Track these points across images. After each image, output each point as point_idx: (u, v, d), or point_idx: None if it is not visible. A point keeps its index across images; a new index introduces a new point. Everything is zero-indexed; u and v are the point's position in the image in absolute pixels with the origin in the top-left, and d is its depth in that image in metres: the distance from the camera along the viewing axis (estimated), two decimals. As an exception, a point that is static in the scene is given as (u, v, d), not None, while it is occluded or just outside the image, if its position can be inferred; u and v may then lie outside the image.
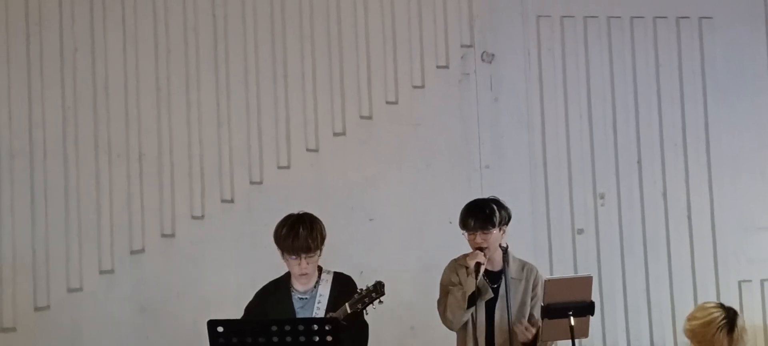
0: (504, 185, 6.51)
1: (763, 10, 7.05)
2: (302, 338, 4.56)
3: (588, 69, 6.86)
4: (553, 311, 4.96)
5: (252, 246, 6.20)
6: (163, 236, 6.29)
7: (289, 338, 4.57)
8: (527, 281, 5.31)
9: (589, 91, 6.86)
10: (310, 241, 4.91)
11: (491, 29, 6.75)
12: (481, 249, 5.15)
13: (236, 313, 5.12)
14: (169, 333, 6.20)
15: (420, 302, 5.87)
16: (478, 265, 5.10)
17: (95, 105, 6.30)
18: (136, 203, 6.28)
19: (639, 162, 6.88)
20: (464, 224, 5.23)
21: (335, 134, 6.53)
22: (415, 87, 6.65)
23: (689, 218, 6.90)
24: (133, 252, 6.26)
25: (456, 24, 6.71)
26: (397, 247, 6.47)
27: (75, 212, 6.21)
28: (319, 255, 5.02)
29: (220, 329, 4.60)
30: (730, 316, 4.58)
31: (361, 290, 4.87)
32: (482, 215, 5.19)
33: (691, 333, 4.62)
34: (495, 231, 5.20)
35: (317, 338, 4.55)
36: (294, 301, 5.07)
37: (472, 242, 5.20)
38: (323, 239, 5.00)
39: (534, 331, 5.16)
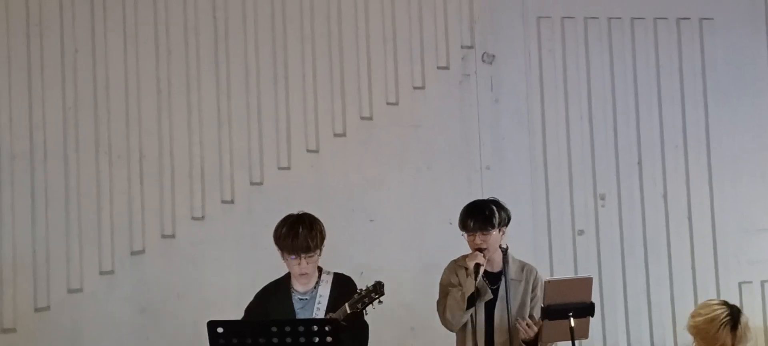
0: (504, 186, 6.51)
1: (763, 12, 7.05)
2: (302, 339, 4.57)
3: (588, 70, 6.86)
4: (553, 312, 4.97)
5: (252, 247, 6.20)
6: (164, 236, 6.29)
7: (289, 339, 4.58)
8: (527, 282, 5.31)
9: (589, 92, 6.86)
10: (309, 240, 4.92)
11: (492, 30, 6.75)
12: (480, 250, 5.16)
13: (236, 314, 5.13)
14: (170, 334, 6.20)
15: (420, 303, 5.87)
16: (477, 266, 5.10)
17: (96, 106, 6.30)
18: (136, 204, 6.28)
19: (639, 163, 6.88)
20: (464, 225, 5.23)
21: (336, 135, 6.53)
22: (415, 88, 6.65)
23: (690, 219, 6.89)
24: (133, 253, 6.27)
25: (456, 25, 6.71)
26: (398, 248, 6.47)
27: (75, 213, 6.22)
28: (319, 255, 5.02)
29: (220, 329, 4.61)
30: (734, 313, 4.59)
31: (361, 290, 4.87)
32: (482, 216, 5.19)
33: (695, 329, 4.62)
34: (494, 232, 5.20)
35: (317, 339, 4.56)
36: (294, 302, 5.07)
37: (471, 243, 5.20)
38: (323, 238, 5.01)
39: (536, 329, 5.16)
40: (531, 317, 5.26)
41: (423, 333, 6.26)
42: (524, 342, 5.20)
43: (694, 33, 6.96)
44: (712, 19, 6.97)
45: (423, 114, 6.63)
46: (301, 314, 5.01)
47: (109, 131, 6.30)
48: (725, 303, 4.68)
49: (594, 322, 5.23)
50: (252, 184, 6.42)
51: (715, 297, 6.72)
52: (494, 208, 5.23)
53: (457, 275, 5.26)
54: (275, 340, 4.58)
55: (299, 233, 4.91)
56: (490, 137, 6.68)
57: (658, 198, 6.88)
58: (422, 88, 6.65)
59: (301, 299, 5.07)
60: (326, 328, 4.58)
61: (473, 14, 6.73)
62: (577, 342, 5.07)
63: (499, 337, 5.24)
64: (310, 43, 6.54)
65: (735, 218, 6.92)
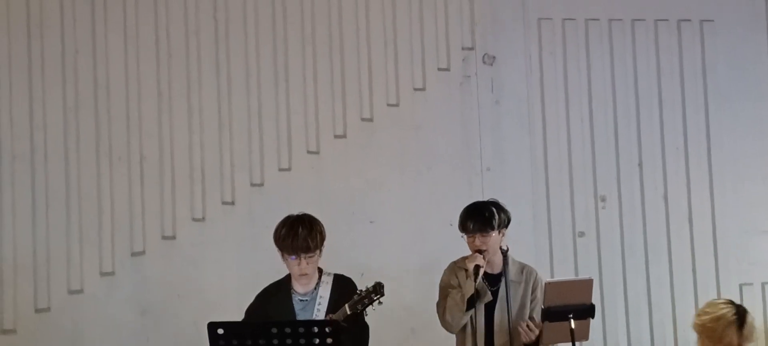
0: (505, 187, 6.51)
1: (764, 14, 7.05)
2: (302, 340, 4.57)
3: (589, 72, 6.86)
4: (553, 313, 4.97)
5: (253, 248, 6.20)
6: (164, 238, 6.30)
7: (289, 340, 4.58)
8: (526, 284, 5.31)
9: (590, 94, 6.86)
10: (309, 241, 4.92)
11: (492, 32, 6.75)
12: (480, 252, 5.15)
13: (237, 315, 5.13)
14: (170, 335, 6.20)
15: (421, 304, 5.86)
16: (477, 268, 5.10)
17: (96, 107, 6.30)
18: (137, 205, 6.28)
19: (640, 165, 6.88)
20: (463, 226, 5.23)
21: (336, 137, 6.54)
22: (416, 89, 6.65)
23: (690, 221, 6.89)
24: (133, 254, 6.27)
25: (457, 27, 6.71)
26: (398, 249, 6.47)
27: (76, 214, 6.22)
28: (319, 256, 5.02)
29: (221, 331, 4.61)
30: (740, 312, 4.59)
31: (361, 291, 4.87)
32: (481, 217, 5.19)
33: (702, 328, 4.61)
34: (494, 234, 5.20)
35: (317, 340, 4.56)
36: (294, 303, 5.07)
37: (471, 244, 5.20)
38: (323, 239, 5.00)
39: (537, 332, 5.16)
40: (531, 319, 5.26)
41: (423, 334, 6.26)
42: (525, 345, 5.20)
43: (694, 35, 6.96)
44: (712, 21, 6.97)
45: (423, 116, 6.63)
46: (301, 316, 5.01)
47: (110, 132, 6.30)
48: (731, 302, 4.67)
49: (594, 323, 5.23)
50: (252, 185, 6.42)
51: (715, 299, 6.74)
52: (494, 209, 5.23)
53: (456, 277, 5.26)
54: (275, 341, 4.59)
55: (299, 234, 4.91)
56: (491, 139, 6.69)
57: (658, 200, 6.88)
58: (423, 89, 6.65)
59: (301, 301, 5.07)
60: (326, 329, 4.59)
61: (474, 16, 6.74)
62: (577, 344, 5.07)
63: (498, 339, 5.24)
64: (310, 44, 6.54)
65: (736, 220, 6.91)
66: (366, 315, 4.91)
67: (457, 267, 5.30)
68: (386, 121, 6.59)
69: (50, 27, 6.28)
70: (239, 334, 4.62)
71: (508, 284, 5.21)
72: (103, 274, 6.22)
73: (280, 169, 6.46)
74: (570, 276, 6.49)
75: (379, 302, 4.83)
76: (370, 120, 6.58)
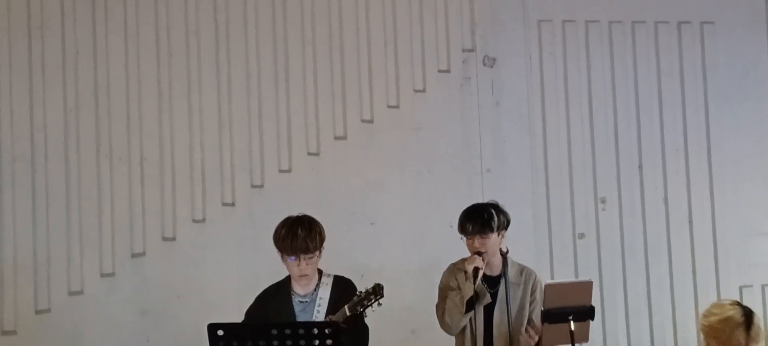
0: (505, 189, 6.51)
1: (764, 15, 7.05)
2: (302, 342, 4.57)
3: (589, 73, 6.86)
4: (553, 315, 4.97)
5: (253, 250, 6.20)
6: (164, 239, 6.30)
7: (289, 342, 4.58)
8: (526, 286, 5.31)
9: (590, 95, 6.86)
10: (308, 242, 4.91)
11: (493, 33, 6.75)
12: (479, 254, 5.15)
13: (237, 316, 5.13)
14: (170, 336, 6.20)
15: (421, 306, 5.85)
16: (476, 270, 5.10)
17: (97, 108, 6.30)
18: (137, 206, 6.28)
19: (640, 167, 6.88)
20: (462, 228, 5.23)
21: (336, 138, 6.54)
22: (416, 91, 6.65)
23: (690, 222, 6.90)
24: (134, 255, 6.27)
25: (457, 28, 6.72)
26: (399, 250, 6.47)
27: (76, 215, 6.22)
28: (319, 257, 5.02)
29: (220, 332, 4.61)
30: (748, 313, 4.58)
31: (360, 292, 4.87)
32: (480, 219, 5.19)
33: (710, 329, 4.60)
34: (493, 236, 5.20)
35: (317, 342, 4.56)
36: (294, 304, 5.07)
37: (470, 246, 5.20)
38: (322, 240, 5.00)
39: (537, 338, 5.16)
40: (530, 322, 5.26)
41: (424, 336, 6.25)
42: None
43: (695, 36, 6.96)
44: (713, 22, 6.98)
45: (424, 117, 6.63)
46: (301, 317, 5.01)
47: (110, 133, 6.30)
48: (738, 303, 4.67)
49: (594, 325, 5.22)
50: (253, 186, 6.42)
51: (715, 300, 6.74)
52: (493, 211, 5.23)
53: (456, 279, 5.26)
54: (275, 342, 4.58)
55: (298, 235, 4.91)
56: (491, 140, 6.69)
57: (658, 201, 6.88)
58: (423, 91, 6.66)
59: (301, 302, 5.07)
60: (326, 331, 4.59)
61: (474, 17, 6.74)
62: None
63: (498, 341, 5.23)
64: (311, 45, 6.54)
65: (736, 221, 6.92)
66: (365, 316, 4.91)
67: (456, 269, 5.30)
68: (386, 122, 6.59)
69: (51, 28, 6.28)
70: (239, 335, 4.62)
71: (508, 285, 5.21)
72: (103, 275, 6.23)
73: (281, 171, 6.46)
74: (570, 278, 6.49)
75: (379, 304, 4.83)
76: (371, 121, 6.58)
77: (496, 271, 5.27)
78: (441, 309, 5.28)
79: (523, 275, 5.33)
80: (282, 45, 6.52)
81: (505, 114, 6.73)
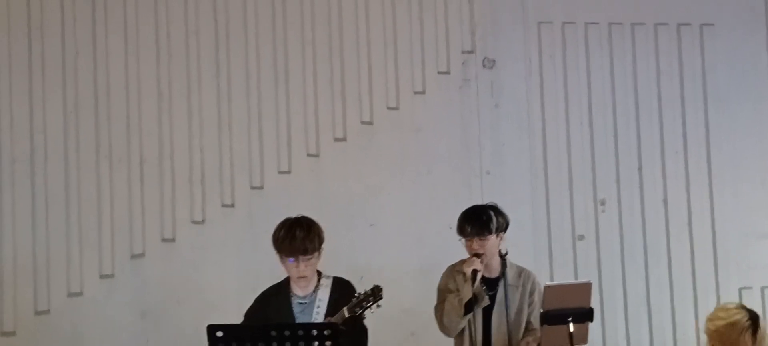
0: (504, 191, 6.51)
1: (764, 17, 7.05)
2: (301, 343, 4.58)
3: (589, 75, 6.86)
4: (552, 317, 4.96)
5: (252, 251, 6.20)
6: (164, 240, 6.30)
7: (288, 343, 4.58)
8: (524, 288, 5.31)
9: (589, 97, 6.86)
10: (307, 243, 4.92)
11: (492, 35, 6.75)
12: (477, 256, 5.15)
13: (237, 318, 5.13)
14: (170, 338, 6.20)
15: (421, 308, 5.85)
16: (474, 272, 5.10)
17: (96, 109, 6.31)
18: (136, 208, 6.28)
19: (640, 169, 6.88)
20: (461, 230, 5.23)
21: (336, 140, 6.54)
22: (416, 93, 6.65)
23: (690, 224, 6.89)
24: (133, 256, 6.27)
25: (457, 30, 6.72)
26: (398, 252, 6.47)
27: (76, 216, 6.22)
28: (318, 258, 5.02)
29: (220, 334, 4.61)
30: (754, 318, 4.58)
31: (359, 294, 4.87)
32: (479, 221, 5.19)
33: (716, 333, 4.60)
34: (492, 238, 5.20)
35: (316, 343, 4.57)
36: (293, 306, 5.07)
37: (469, 248, 5.20)
38: (321, 241, 5.00)
39: (536, 345, 5.17)
40: (527, 325, 5.25)
41: (423, 338, 6.25)
42: None
43: (694, 38, 6.96)
44: (712, 24, 6.97)
45: (423, 119, 6.63)
46: (300, 318, 5.01)
47: (110, 135, 6.30)
48: (744, 307, 4.67)
49: (594, 327, 5.22)
50: (252, 188, 6.42)
51: (715, 302, 6.75)
52: (492, 213, 5.23)
53: (454, 280, 5.26)
54: (274, 344, 4.59)
55: (296, 236, 4.91)
56: (491, 142, 6.69)
57: (658, 203, 6.88)
58: (423, 92, 6.66)
59: (300, 303, 5.07)
60: (325, 332, 4.59)
61: (474, 19, 6.74)
62: (576, 347, 5.07)
63: (496, 343, 5.23)
64: (310, 47, 6.54)
65: (735, 223, 6.91)
66: (364, 318, 4.91)
67: (455, 271, 5.30)
68: (386, 124, 6.59)
69: (50, 29, 6.29)
70: (238, 337, 4.63)
71: (507, 288, 5.21)
72: (102, 276, 6.23)
73: (280, 172, 6.46)
74: (569, 280, 6.48)
75: (378, 306, 4.83)
76: (370, 123, 6.58)
77: (494, 273, 5.27)
78: (439, 311, 5.28)
79: (522, 277, 5.33)
80: (282, 46, 6.52)
81: (504, 116, 6.73)
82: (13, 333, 6.11)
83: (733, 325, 4.55)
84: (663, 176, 6.89)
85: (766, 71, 7.03)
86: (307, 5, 6.56)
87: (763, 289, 6.92)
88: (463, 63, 6.72)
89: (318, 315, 4.98)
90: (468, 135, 6.66)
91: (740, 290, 6.87)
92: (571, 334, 4.95)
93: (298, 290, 5.08)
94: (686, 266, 6.85)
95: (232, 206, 6.39)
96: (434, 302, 5.37)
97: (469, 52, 6.73)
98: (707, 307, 6.68)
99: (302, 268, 4.96)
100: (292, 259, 4.95)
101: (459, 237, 5.24)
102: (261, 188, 6.43)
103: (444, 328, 5.27)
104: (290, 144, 6.49)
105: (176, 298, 6.25)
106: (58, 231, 6.19)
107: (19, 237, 6.15)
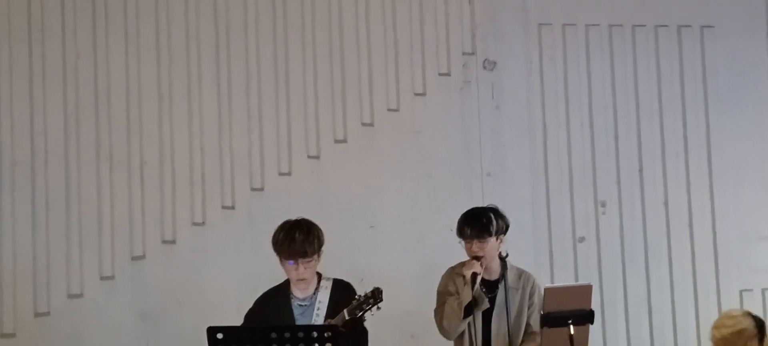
0: (505, 192, 6.51)
1: (764, 19, 7.05)
2: (301, 345, 4.57)
3: (589, 77, 6.86)
4: (552, 319, 4.95)
5: (253, 253, 6.20)
6: (164, 242, 6.30)
7: (288, 345, 4.57)
8: (524, 290, 5.30)
9: (590, 99, 6.86)
10: (306, 246, 4.91)
11: (493, 37, 6.75)
12: (477, 258, 5.14)
13: (237, 320, 5.13)
14: (170, 340, 6.20)
15: (421, 310, 5.85)
16: (474, 275, 5.09)
17: (97, 112, 6.31)
18: (137, 210, 6.28)
19: (640, 170, 6.88)
20: (461, 232, 5.22)
21: (336, 141, 6.54)
22: (416, 94, 6.65)
23: (690, 226, 6.89)
24: (133, 258, 6.27)
25: (458, 32, 6.72)
26: (398, 254, 6.47)
27: (76, 218, 6.22)
28: (318, 261, 5.01)
29: (220, 335, 4.61)
30: (760, 325, 4.57)
31: (359, 296, 4.86)
32: (479, 223, 5.18)
33: (722, 341, 4.58)
34: (492, 240, 5.19)
35: (316, 345, 4.56)
36: (293, 307, 5.07)
37: (468, 250, 5.20)
38: (321, 244, 5.00)
39: None
40: (526, 327, 5.24)
41: (423, 340, 6.25)
42: None
43: (695, 40, 6.96)
44: (713, 26, 6.97)
45: (424, 120, 6.63)
46: (300, 320, 5.01)
47: (110, 137, 6.31)
48: (749, 314, 4.65)
49: (595, 329, 5.22)
50: (253, 190, 6.42)
51: (715, 305, 6.76)
52: (492, 215, 5.22)
53: (454, 283, 5.25)
54: (274, 346, 4.60)
55: (296, 239, 4.91)
56: (491, 144, 6.69)
57: (659, 205, 6.87)
58: (423, 94, 6.66)
59: (300, 305, 5.07)
60: (325, 334, 4.59)
61: (474, 21, 6.74)
62: (576, 350, 5.07)
63: (496, 345, 5.23)
64: (311, 48, 6.55)
65: (736, 225, 6.91)
66: (365, 320, 4.90)
67: (454, 273, 5.29)
68: (386, 125, 6.59)
69: (51, 31, 6.29)
70: (238, 339, 4.63)
71: (508, 290, 5.20)
72: (102, 278, 6.23)
73: (281, 174, 6.46)
74: (570, 281, 6.48)
75: (378, 308, 4.82)
76: (371, 125, 6.58)
77: (494, 275, 5.26)
78: (439, 314, 5.27)
79: (522, 279, 5.32)
80: (282, 48, 6.52)
81: (505, 118, 6.73)
82: (13, 335, 6.10)
83: (740, 333, 4.53)
84: (664, 177, 6.89)
85: (766, 73, 7.03)
86: (308, 7, 6.56)
87: (763, 291, 6.91)
88: (463, 65, 6.72)
89: (318, 317, 4.98)
90: (468, 137, 6.66)
91: (741, 292, 6.87)
92: (571, 336, 4.94)
93: (298, 292, 5.07)
94: (687, 268, 6.85)
95: (233, 207, 6.39)
96: (434, 304, 5.36)
97: (470, 54, 6.73)
98: (708, 309, 6.71)
99: (302, 270, 4.95)
100: (291, 261, 4.94)
101: (459, 239, 5.24)
102: (261, 189, 6.43)
103: (444, 331, 5.26)
104: (290, 146, 6.49)
105: (176, 299, 6.25)
106: (58, 233, 6.19)
107: (19, 239, 6.15)
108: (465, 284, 5.13)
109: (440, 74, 6.68)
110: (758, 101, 7.00)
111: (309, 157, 6.50)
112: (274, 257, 5.05)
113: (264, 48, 6.50)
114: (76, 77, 6.29)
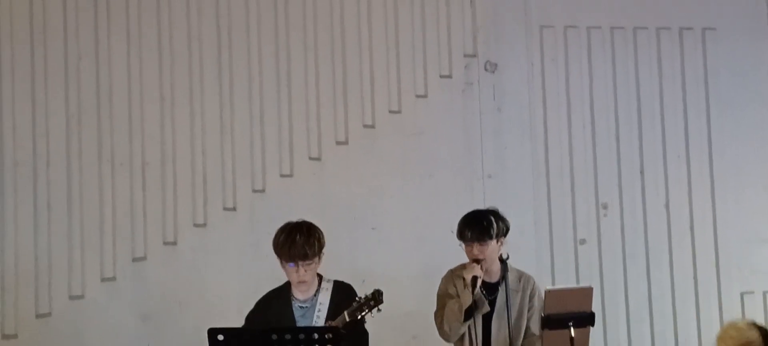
0: (506, 194, 6.51)
1: (766, 22, 7.05)
2: (302, 347, 4.58)
3: (591, 79, 6.87)
4: (553, 321, 4.96)
5: (254, 254, 6.20)
6: (166, 243, 6.30)
7: (289, 347, 4.59)
8: (524, 292, 5.29)
9: (592, 101, 6.86)
10: (307, 248, 4.91)
11: (495, 39, 6.76)
12: (477, 261, 5.14)
13: (238, 321, 5.13)
14: (171, 341, 6.20)
15: (422, 311, 5.84)
16: (474, 279, 5.09)
17: (99, 114, 6.31)
18: (138, 211, 6.29)
19: (642, 173, 6.88)
20: (461, 235, 5.22)
21: (338, 143, 6.54)
22: (418, 96, 6.65)
23: (692, 228, 6.89)
24: (135, 260, 6.27)
25: (459, 34, 6.72)
26: (400, 255, 6.47)
27: (78, 220, 6.22)
28: (318, 263, 5.01)
29: (221, 337, 4.61)
30: (765, 335, 4.55)
31: (360, 298, 4.86)
32: (479, 226, 5.17)
33: None
34: (492, 243, 5.18)
35: (317, 347, 4.57)
36: (294, 309, 5.07)
37: (469, 253, 5.19)
38: (321, 246, 5.00)
39: None
40: (526, 330, 5.24)
41: (424, 341, 6.24)
42: None
43: (696, 43, 6.96)
44: (714, 28, 6.97)
45: (425, 122, 6.63)
46: (301, 322, 5.01)
47: (112, 138, 6.31)
48: (754, 324, 4.63)
49: (595, 332, 5.23)
50: (254, 191, 6.43)
51: (717, 307, 6.76)
52: (492, 218, 5.21)
53: (454, 285, 5.25)
54: (275, 347, 4.60)
55: (296, 241, 4.91)
56: (493, 146, 6.69)
57: (660, 207, 6.87)
58: (425, 96, 6.66)
59: (301, 307, 5.07)
60: (326, 336, 4.59)
61: (476, 23, 6.74)
62: (577, 352, 5.07)
63: (496, 347, 5.24)
64: (312, 50, 6.55)
65: (737, 227, 6.91)
66: (365, 322, 4.90)
67: (454, 275, 5.29)
68: (388, 127, 6.59)
69: (53, 33, 6.29)
70: (239, 340, 4.63)
71: (509, 293, 5.19)
72: (104, 279, 6.23)
73: (282, 175, 6.47)
74: (571, 283, 6.48)
75: (378, 310, 4.82)
76: (372, 126, 6.58)
77: (495, 277, 5.26)
78: (439, 317, 5.27)
79: (522, 281, 5.32)
80: (284, 50, 6.52)
81: (506, 120, 6.73)
82: (14, 336, 6.11)
83: (746, 345, 4.51)
84: (665, 180, 6.89)
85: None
86: (310, 9, 6.57)
87: (765, 293, 6.91)
88: (465, 67, 6.72)
89: (319, 319, 4.98)
90: (470, 139, 6.67)
91: (742, 294, 6.87)
92: (572, 338, 4.95)
93: (298, 294, 5.08)
94: (688, 270, 6.85)
95: (234, 209, 6.39)
96: (435, 305, 5.36)
97: (472, 56, 6.74)
98: (709, 311, 6.72)
99: (302, 272, 4.95)
100: (292, 264, 4.94)
101: (459, 242, 5.24)
102: (263, 191, 6.44)
103: (444, 333, 5.26)
104: (292, 147, 6.49)
105: (178, 301, 6.26)
106: (59, 234, 6.19)
107: (21, 240, 6.16)
108: (465, 286, 5.13)
109: (442, 76, 6.69)
110: (760, 103, 7.00)
111: (310, 158, 6.51)
112: (275, 259, 5.05)
113: (266, 49, 6.50)
114: (78, 78, 6.30)
